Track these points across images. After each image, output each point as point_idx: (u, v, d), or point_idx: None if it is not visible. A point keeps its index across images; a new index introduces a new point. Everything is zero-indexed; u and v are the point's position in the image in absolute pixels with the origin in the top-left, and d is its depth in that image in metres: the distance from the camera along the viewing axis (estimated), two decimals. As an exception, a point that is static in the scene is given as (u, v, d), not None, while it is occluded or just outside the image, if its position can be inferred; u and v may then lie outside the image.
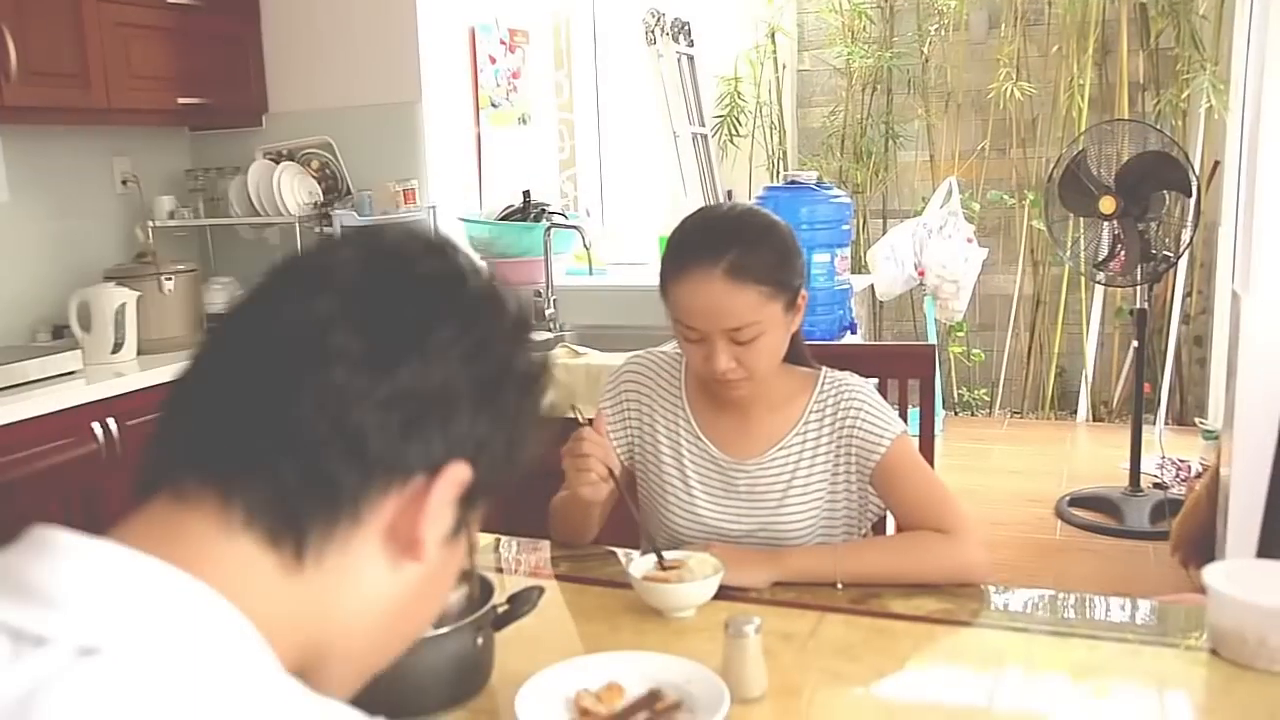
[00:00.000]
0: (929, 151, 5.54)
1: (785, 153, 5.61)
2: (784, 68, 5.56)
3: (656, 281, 2.98)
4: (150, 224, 3.42)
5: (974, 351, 5.42)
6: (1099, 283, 4.66)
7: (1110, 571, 3.61)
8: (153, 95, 3.24)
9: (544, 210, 3.42)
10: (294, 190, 3.47)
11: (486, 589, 1.29)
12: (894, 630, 1.39)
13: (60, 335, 3.18)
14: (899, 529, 1.63)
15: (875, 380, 2.01)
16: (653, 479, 1.70)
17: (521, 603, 1.25)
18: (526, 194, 3.43)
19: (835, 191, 2.97)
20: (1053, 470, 4.61)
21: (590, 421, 1.52)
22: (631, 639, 1.40)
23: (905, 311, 5.61)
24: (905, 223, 5.12)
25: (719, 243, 1.51)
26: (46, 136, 3.29)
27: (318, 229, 3.46)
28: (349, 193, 3.57)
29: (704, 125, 5.18)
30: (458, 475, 0.68)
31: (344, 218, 3.38)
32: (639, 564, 1.48)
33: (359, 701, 0.68)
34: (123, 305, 3.11)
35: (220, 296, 3.59)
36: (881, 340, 5.68)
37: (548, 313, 3.34)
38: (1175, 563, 3.36)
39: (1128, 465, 4.12)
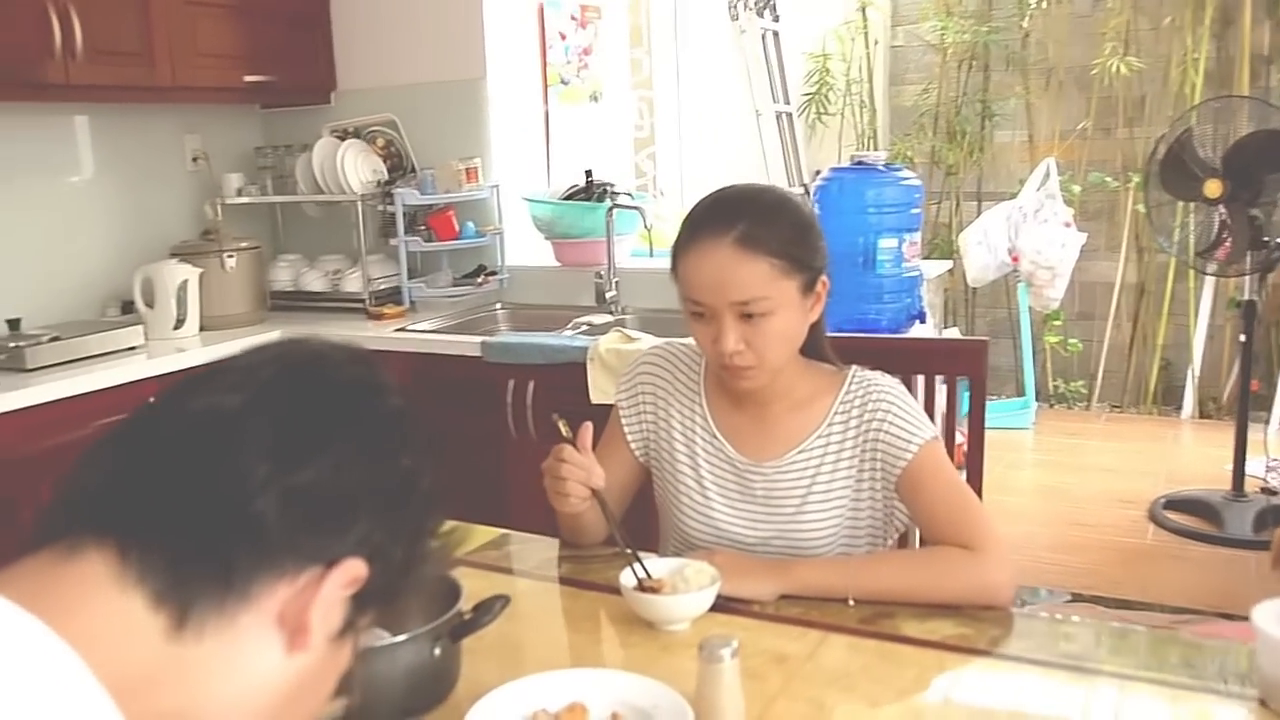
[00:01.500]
0: (1027, 131, 5.28)
1: (875, 132, 5.41)
2: (875, 44, 5.36)
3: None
4: (219, 201, 3.44)
5: (1071, 341, 5.16)
6: (1202, 271, 4.37)
7: (1204, 583, 3.38)
8: (219, 73, 3.25)
9: (606, 190, 3.33)
10: (358, 168, 3.45)
11: (452, 594, 1.21)
12: (900, 656, 1.27)
13: (129, 311, 3.22)
14: (922, 543, 1.50)
15: (922, 378, 1.90)
16: (667, 479, 1.61)
17: (482, 613, 1.17)
18: (588, 173, 3.34)
19: (904, 173, 2.81)
20: (1150, 470, 4.36)
21: (574, 437, 1.43)
22: (615, 652, 1.32)
23: (999, 299, 5.37)
24: (999, 206, 4.89)
25: (731, 213, 1.42)
26: (119, 114, 3.33)
27: (380, 207, 3.44)
28: (414, 171, 3.54)
29: (789, 103, 5.02)
30: (353, 570, 0.70)
31: (405, 196, 3.35)
32: (631, 573, 1.39)
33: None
34: (185, 282, 3.14)
35: (286, 274, 3.61)
36: (974, 330, 5.46)
37: (608, 295, 3.26)
38: (1278, 577, 3.12)
39: (1232, 467, 3.86)
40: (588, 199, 3.37)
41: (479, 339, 2.94)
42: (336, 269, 3.55)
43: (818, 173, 5.17)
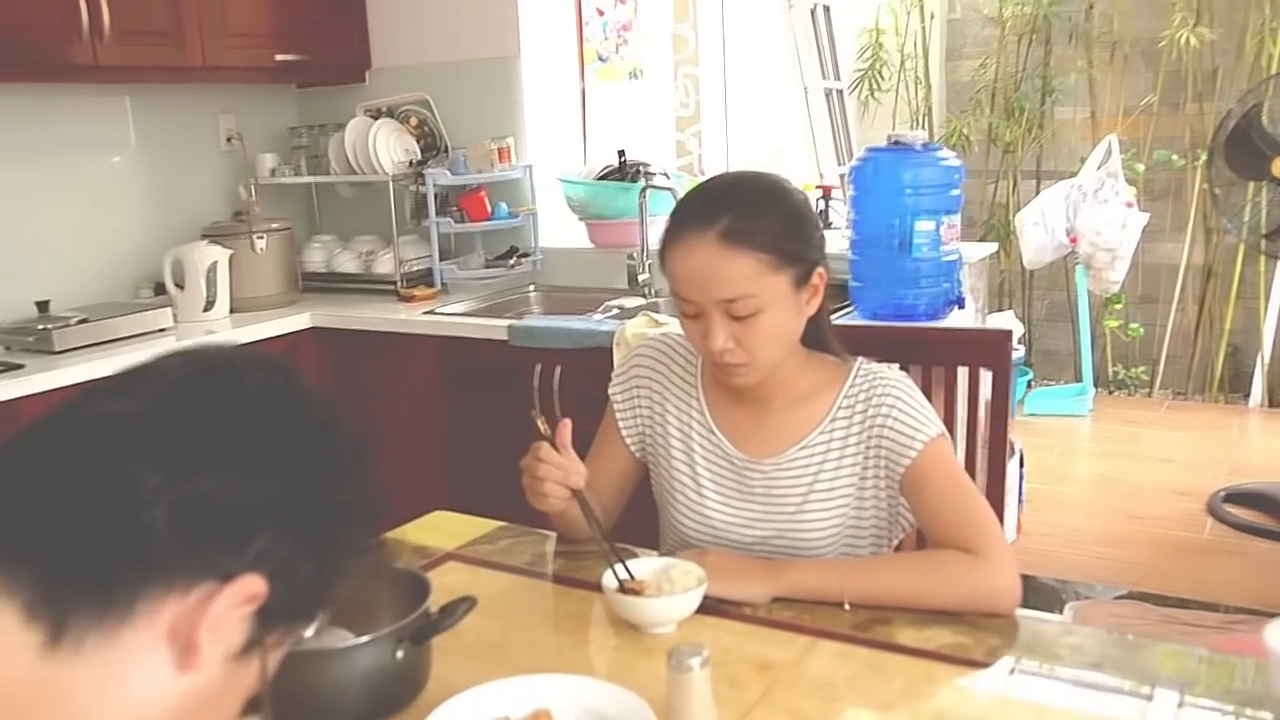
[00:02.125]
0: (1089, 107, 5.11)
1: (930, 109, 5.28)
2: (931, 17, 5.21)
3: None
4: (253, 182, 3.46)
5: (1132, 326, 5.00)
6: (1273, 256, 4.20)
7: (1262, 580, 3.26)
8: (250, 53, 3.26)
9: (640, 170, 3.28)
10: (390, 148, 3.44)
11: (419, 593, 1.18)
12: (889, 666, 1.22)
13: (163, 292, 3.25)
14: (925, 545, 1.45)
15: (943, 369, 1.83)
16: (663, 475, 1.56)
17: (445, 616, 1.15)
18: (621, 153, 3.29)
19: (943, 154, 2.72)
20: (1211, 461, 4.21)
21: (552, 435, 1.39)
22: (596, 655, 1.28)
23: (1057, 281, 5.22)
24: (1057, 185, 4.75)
25: (715, 206, 1.37)
26: (152, 94, 3.35)
27: (412, 188, 3.42)
28: (447, 151, 3.52)
29: (839, 80, 4.91)
30: (248, 588, 0.67)
31: (437, 176, 3.33)
32: (613, 574, 1.35)
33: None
34: (214, 263, 3.16)
35: (319, 255, 3.62)
36: (1030, 314, 5.32)
37: (641, 278, 3.21)
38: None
39: (1297, 460, 3.71)
40: (621, 179, 3.33)
41: (506, 323, 2.92)
42: (370, 250, 3.55)
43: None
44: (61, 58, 2.79)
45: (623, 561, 1.34)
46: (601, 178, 3.39)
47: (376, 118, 3.54)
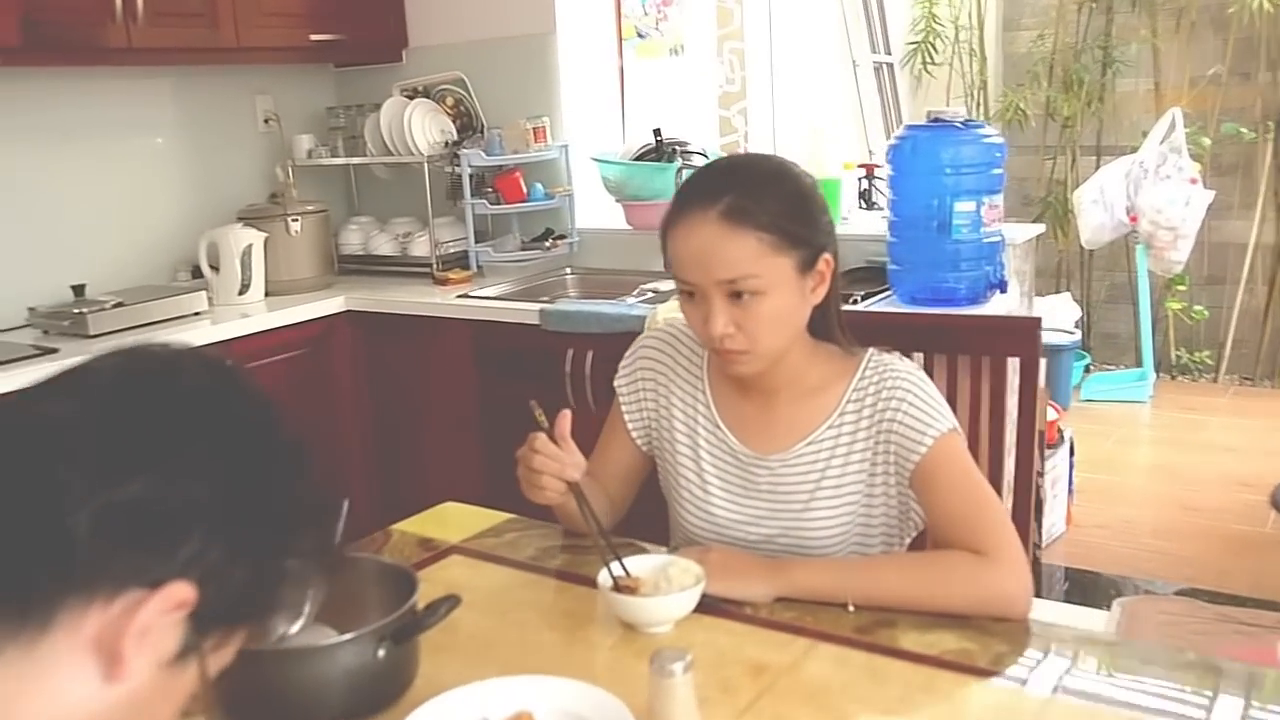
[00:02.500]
0: (1153, 79, 4.96)
1: (986, 82, 5.16)
2: (989, -14, 5.10)
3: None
4: (289, 163, 3.48)
5: (1196, 308, 4.86)
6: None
7: (1326, 577, 3.15)
8: (284, 32, 3.27)
9: (676, 149, 3.24)
10: (425, 129, 3.44)
11: (407, 590, 1.18)
12: (889, 672, 1.19)
13: (200, 275, 3.29)
14: (933, 544, 1.41)
15: (968, 357, 1.78)
16: (669, 470, 1.55)
17: (426, 615, 1.14)
18: (657, 132, 3.26)
19: (985, 130, 2.65)
20: (1278, 450, 4.08)
21: (550, 427, 1.38)
22: (590, 655, 1.27)
23: (1118, 262, 5.09)
24: (1117, 161, 4.62)
25: (718, 185, 1.35)
26: (189, 76, 3.39)
27: (448, 169, 3.42)
28: (484, 131, 3.52)
29: (889, 54, 4.82)
30: (175, 595, 0.66)
31: (471, 157, 3.33)
32: (609, 572, 1.33)
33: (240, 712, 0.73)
34: (249, 246, 3.18)
35: (356, 237, 3.64)
36: (1089, 296, 5.20)
37: (676, 261, 3.18)
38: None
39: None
40: (658, 159, 3.29)
41: (539, 306, 2.91)
42: (407, 232, 3.56)
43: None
44: (95, 40, 2.83)
45: (618, 558, 1.33)
46: (639, 158, 3.36)
47: (413, 97, 3.54)
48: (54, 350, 2.65)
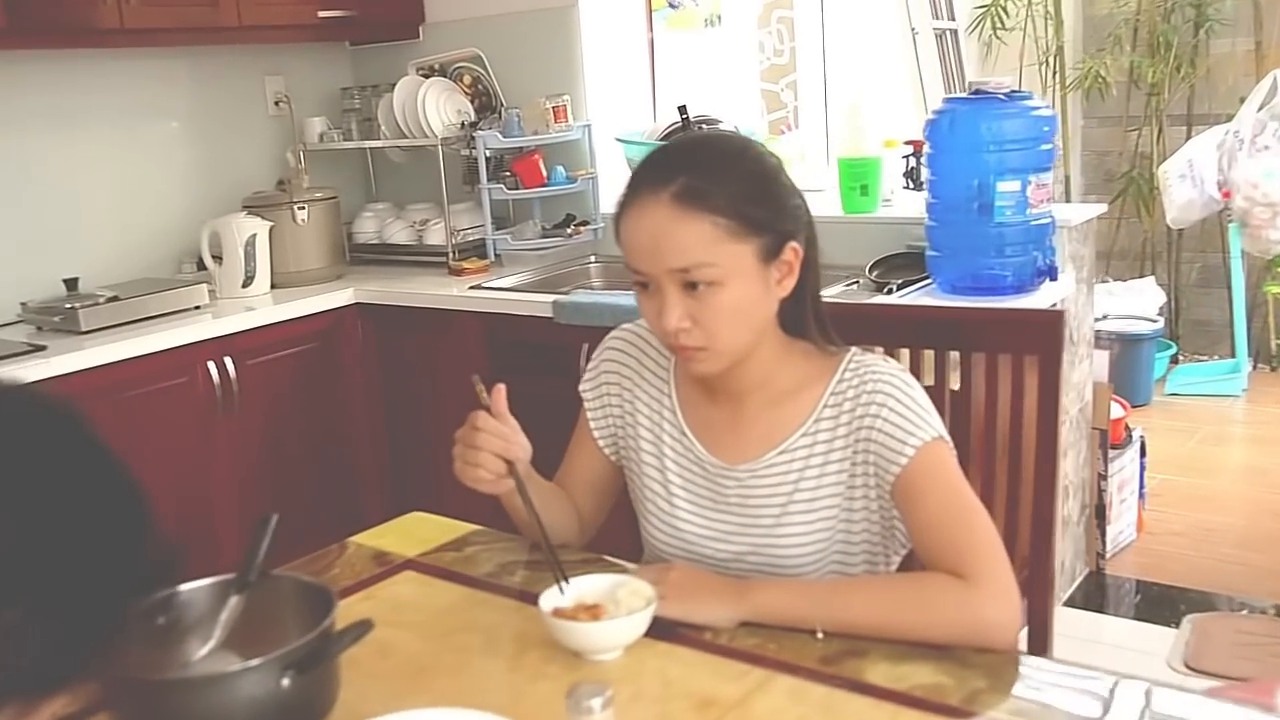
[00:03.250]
0: (1253, 38, 4.76)
1: (1062, 48, 5.00)
2: (1065, -58, 4.93)
3: (831, 213, 2.68)
4: (301, 148, 3.50)
5: (1297, 294, 4.67)
6: None
7: None
8: (289, 9, 3.29)
9: (703, 127, 3.19)
10: (440, 109, 3.44)
11: (321, 609, 1.15)
12: (847, 709, 1.14)
13: (205, 268, 3.32)
14: (918, 566, 1.35)
15: (982, 355, 1.71)
16: (635, 481, 1.51)
17: (332, 643, 1.11)
18: (683, 109, 3.21)
19: (1033, 102, 2.55)
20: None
21: (488, 404, 1.35)
22: (523, 685, 1.23)
23: (1211, 242, 4.91)
24: (1209, 131, 4.45)
25: (672, 165, 1.30)
26: (193, 57, 3.42)
27: (463, 152, 3.41)
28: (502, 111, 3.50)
29: (953, 19, 4.69)
30: None
31: (488, 139, 3.31)
32: (552, 595, 1.30)
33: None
34: (253, 236, 3.21)
35: (370, 225, 3.64)
36: (1178, 280, 5.02)
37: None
38: None
39: None
40: (685, 138, 3.24)
41: (553, 298, 2.88)
42: (424, 219, 3.56)
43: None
44: (85, 21, 2.86)
45: (563, 572, 1.29)
46: (665, 137, 3.31)
47: (429, 76, 3.54)
48: (42, 348, 2.69)
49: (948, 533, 1.28)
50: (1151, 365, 4.58)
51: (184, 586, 1.24)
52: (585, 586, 1.31)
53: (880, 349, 1.73)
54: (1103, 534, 3.23)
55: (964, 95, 2.61)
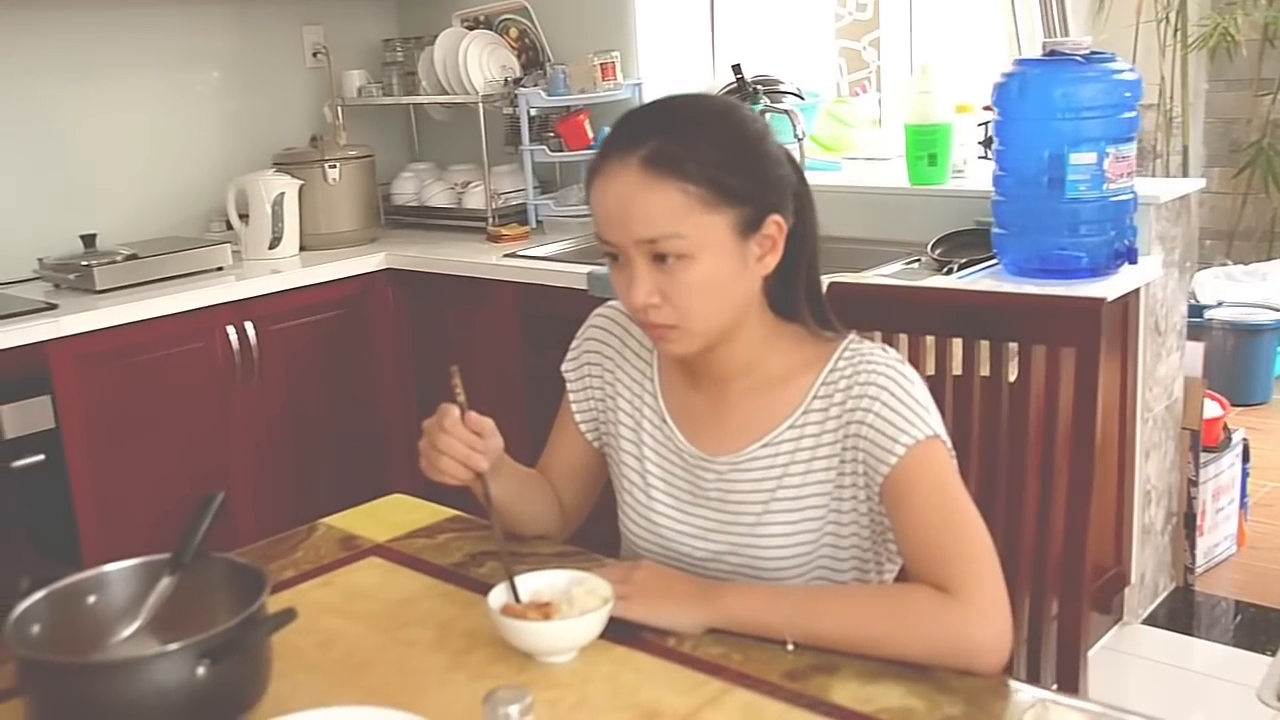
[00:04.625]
0: None
1: (1185, 2, 4.82)
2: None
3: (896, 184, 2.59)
4: (339, 103, 3.54)
5: None
6: None
7: None
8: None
9: (759, 88, 3.14)
10: (482, 64, 3.44)
11: (251, 591, 1.16)
12: (802, 731, 1.12)
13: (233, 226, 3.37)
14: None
15: (1015, 345, 1.66)
16: (615, 471, 1.50)
17: (245, 629, 1.12)
18: (737, 68, 3.17)
19: (1114, 65, 2.46)
20: None
21: (462, 399, 1.35)
22: (462, 686, 1.23)
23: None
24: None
25: (644, 128, 1.28)
26: (227, 4, 3.47)
27: (506, 110, 3.42)
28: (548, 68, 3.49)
29: (1058, -31, 4.56)
30: None
31: (531, 97, 3.31)
32: (502, 590, 1.30)
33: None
34: (281, 195, 3.25)
35: (410, 186, 3.67)
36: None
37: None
38: None
39: None
40: (742, 99, 3.20)
41: (588, 269, 2.88)
42: (466, 181, 3.57)
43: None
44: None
45: (511, 574, 1.29)
46: (722, 97, 3.27)
47: (473, 28, 3.54)
48: (54, 306, 2.76)
49: (934, 540, 1.24)
50: (1272, 360, 4.42)
51: (116, 565, 1.27)
52: (540, 583, 1.30)
53: (904, 336, 1.70)
54: (1192, 546, 3.13)
55: (1038, 57, 2.53)
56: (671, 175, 1.24)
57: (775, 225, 1.30)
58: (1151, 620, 3.02)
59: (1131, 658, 2.88)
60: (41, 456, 2.60)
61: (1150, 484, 2.92)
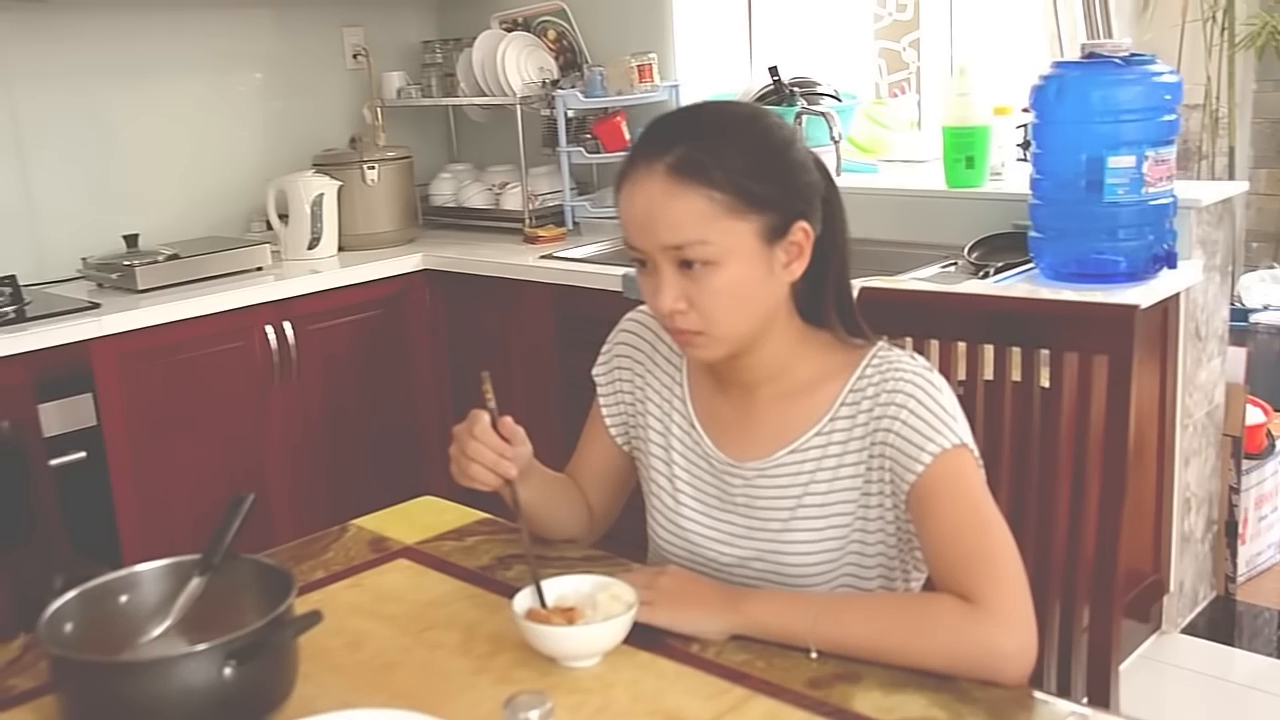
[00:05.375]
0: None
1: (1233, 0, 4.75)
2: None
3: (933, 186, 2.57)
4: (378, 104, 3.56)
5: None
6: None
7: None
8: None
9: (796, 91, 3.14)
10: (520, 66, 3.46)
11: (279, 593, 1.18)
12: (822, 741, 1.11)
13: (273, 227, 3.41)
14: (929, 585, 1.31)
15: (1047, 352, 1.64)
16: (644, 475, 1.50)
17: (275, 632, 1.13)
18: (774, 70, 3.16)
19: (1154, 67, 2.43)
20: None
21: (493, 406, 1.36)
22: (485, 689, 1.24)
23: None
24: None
25: (670, 135, 1.29)
26: (268, 6, 3.50)
27: (544, 112, 3.43)
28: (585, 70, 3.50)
29: (1102, -31, 4.51)
30: None
31: (568, 98, 3.32)
32: (527, 595, 1.30)
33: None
34: (320, 196, 3.28)
35: (448, 187, 3.69)
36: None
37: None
38: None
39: None
40: (778, 102, 3.20)
41: (623, 271, 2.88)
42: (503, 182, 3.59)
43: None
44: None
45: (536, 578, 1.30)
46: (759, 99, 3.27)
47: (512, 30, 3.56)
48: (96, 305, 2.80)
49: (959, 549, 1.24)
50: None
51: (148, 565, 1.29)
52: (565, 588, 1.31)
53: (935, 342, 1.69)
54: (1233, 554, 3.09)
55: (1076, 59, 2.51)
56: (697, 182, 1.25)
57: (802, 232, 1.30)
58: (1191, 629, 2.99)
59: (1169, 667, 2.85)
60: (83, 454, 2.64)
61: (1190, 491, 2.89)
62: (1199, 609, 3.06)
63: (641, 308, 1.54)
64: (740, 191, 1.25)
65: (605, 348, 1.56)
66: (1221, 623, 3.04)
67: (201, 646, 1.12)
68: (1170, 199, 2.49)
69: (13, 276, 2.84)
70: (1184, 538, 2.90)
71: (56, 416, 2.61)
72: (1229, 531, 3.07)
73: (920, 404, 1.30)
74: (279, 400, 3.04)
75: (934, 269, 2.72)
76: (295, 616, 1.16)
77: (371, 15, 3.73)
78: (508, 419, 1.39)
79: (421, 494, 1.80)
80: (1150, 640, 2.90)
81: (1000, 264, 2.62)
